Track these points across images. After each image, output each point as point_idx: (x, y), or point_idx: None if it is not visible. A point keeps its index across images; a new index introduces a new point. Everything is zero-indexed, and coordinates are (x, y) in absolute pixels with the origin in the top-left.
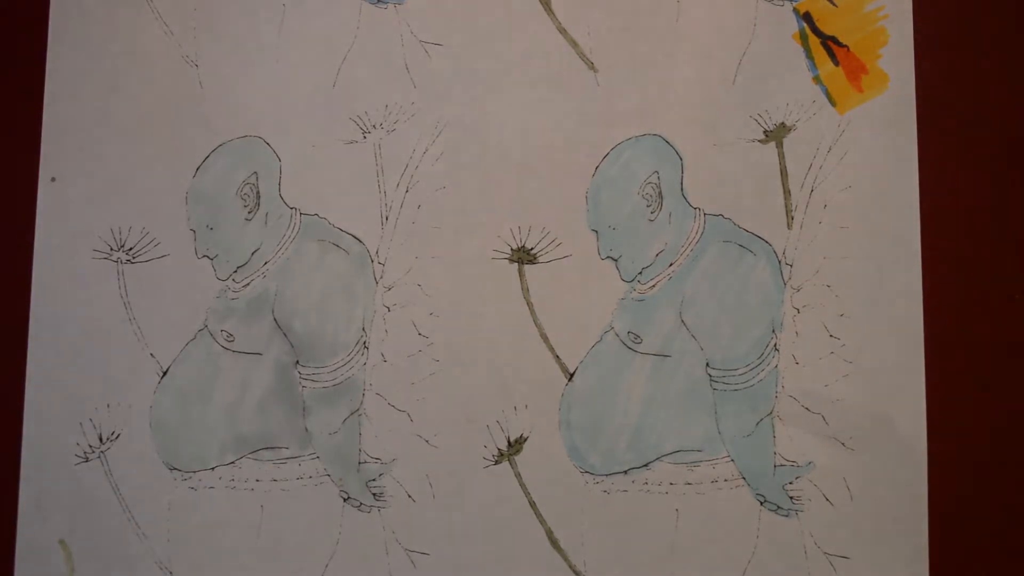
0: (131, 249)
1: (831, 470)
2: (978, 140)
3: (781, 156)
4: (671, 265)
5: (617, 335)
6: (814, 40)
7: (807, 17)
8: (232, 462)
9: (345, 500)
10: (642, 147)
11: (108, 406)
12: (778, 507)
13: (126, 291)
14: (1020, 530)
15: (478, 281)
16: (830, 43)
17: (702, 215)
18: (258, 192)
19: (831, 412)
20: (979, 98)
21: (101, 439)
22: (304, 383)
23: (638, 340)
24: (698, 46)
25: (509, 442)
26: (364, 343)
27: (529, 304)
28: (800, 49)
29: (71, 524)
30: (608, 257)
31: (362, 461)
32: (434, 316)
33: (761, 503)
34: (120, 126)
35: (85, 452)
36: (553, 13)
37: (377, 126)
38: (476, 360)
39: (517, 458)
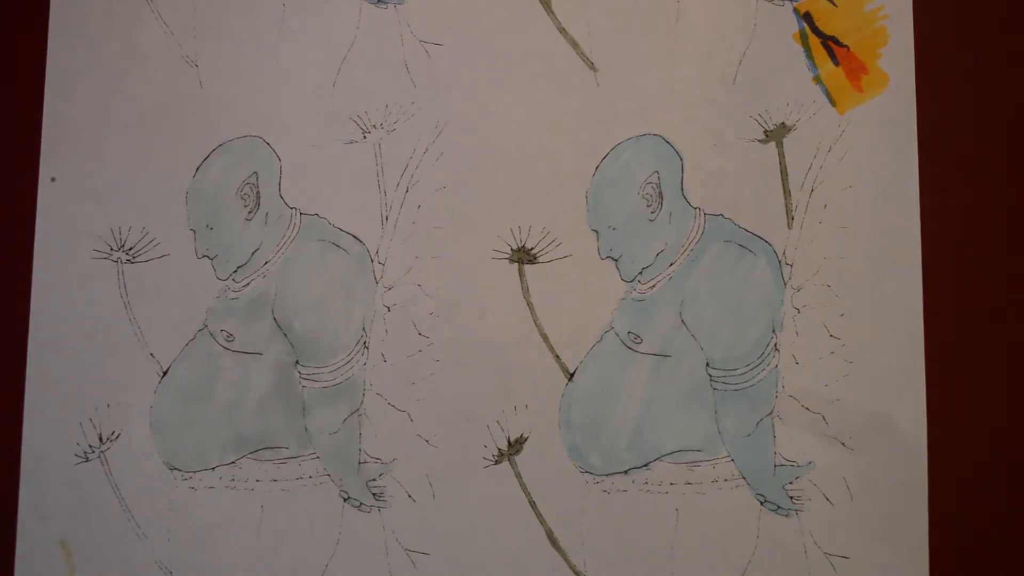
0: (131, 249)
1: (831, 470)
2: (978, 140)
3: (781, 156)
4: (671, 265)
5: (617, 335)
6: (814, 40)
7: (807, 17)
8: (232, 462)
9: (345, 500)
10: (642, 147)
11: (108, 406)
12: (778, 507)
13: (126, 291)
14: (1020, 530)
15: (478, 281)
16: (830, 43)
17: (702, 215)
18: (258, 192)
19: (831, 412)
20: (979, 98)
21: (101, 439)
22: (304, 383)
23: (638, 340)
24: (698, 46)
25: (509, 442)
26: (364, 343)
27: (529, 304)
28: (800, 49)
29: (71, 524)
30: (608, 257)
31: (362, 461)
32: (434, 316)
33: (761, 503)
34: (120, 126)
35: (85, 452)
36: (553, 13)
37: (377, 126)
38: (476, 360)
39: (517, 458)
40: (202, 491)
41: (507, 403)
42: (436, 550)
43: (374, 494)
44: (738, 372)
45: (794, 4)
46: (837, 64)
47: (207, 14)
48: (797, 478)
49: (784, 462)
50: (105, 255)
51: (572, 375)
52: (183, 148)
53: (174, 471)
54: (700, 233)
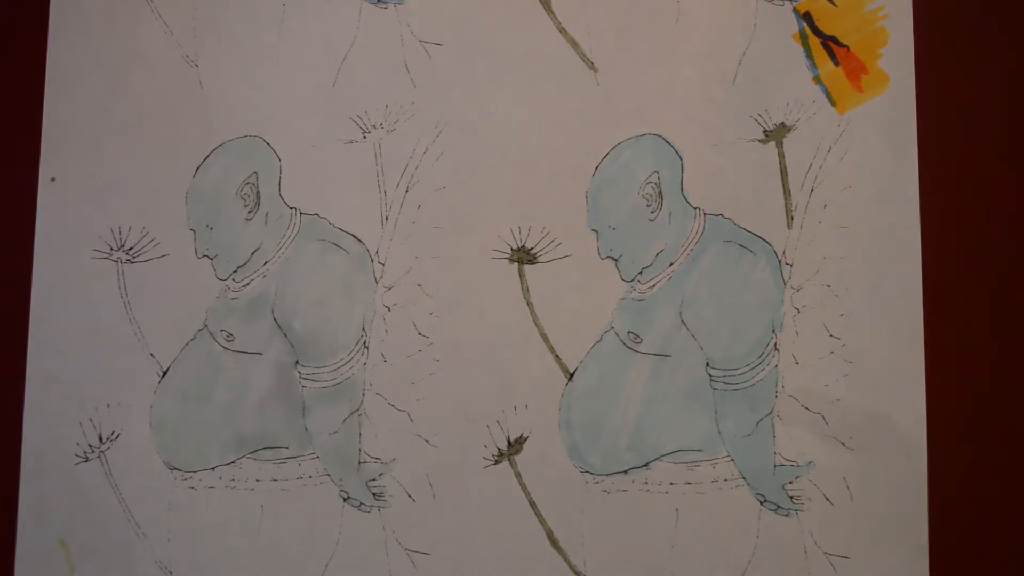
0: (131, 249)
1: (831, 470)
2: (978, 140)
3: (781, 156)
4: (671, 265)
5: (617, 335)
6: (814, 40)
7: (807, 17)
8: (232, 462)
9: (345, 500)
10: (642, 147)
11: (108, 406)
12: (778, 507)
13: (126, 291)
14: (1020, 530)
15: (478, 281)
16: (830, 43)
17: (702, 215)
18: (258, 192)
19: (831, 412)
20: (979, 98)
21: (101, 439)
22: (304, 383)
23: (638, 340)
24: (698, 46)
25: (509, 442)
26: (364, 343)
27: (529, 304)
28: (800, 49)
29: (71, 524)
30: (608, 257)
31: (362, 461)
32: (434, 316)
33: (761, 503)
34: (120, 126)
35: (85, 452)
36: (553, 13)
37: (377, 126)
38: (476, 360)
39: (517, 458)
40: (202, 491)
41: (507, 403)
42: (436, 550)
43: (374, 494)
44: (738, 372)
45: (794, 4)
46: (837, 64)
47: (207, 14)
48: (797, 478)
49: (784, 462)
50: (105, 255)
51: (572, 375)
52: (183, 148)
53: (174, 471)
54: (700, 233)
